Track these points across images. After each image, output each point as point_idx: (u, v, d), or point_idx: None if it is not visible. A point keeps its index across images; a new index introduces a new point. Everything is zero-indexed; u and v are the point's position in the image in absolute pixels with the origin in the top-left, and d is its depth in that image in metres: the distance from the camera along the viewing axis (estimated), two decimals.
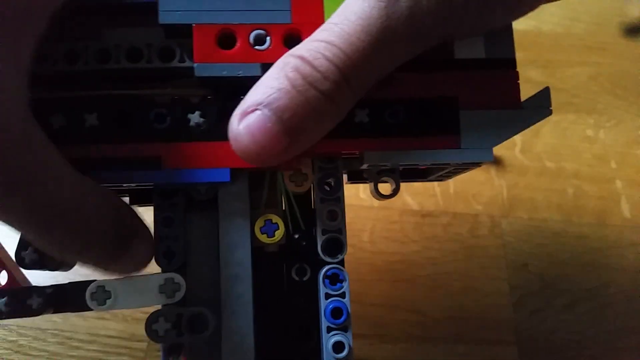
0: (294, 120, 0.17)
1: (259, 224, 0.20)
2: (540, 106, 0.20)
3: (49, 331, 0.33)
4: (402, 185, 0.42)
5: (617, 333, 0.35)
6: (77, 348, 0.32)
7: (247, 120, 0.17)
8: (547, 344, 0.35)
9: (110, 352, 0.32)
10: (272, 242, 0.20)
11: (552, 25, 0.49)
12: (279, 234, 0.20)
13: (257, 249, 0.20)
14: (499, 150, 0.42)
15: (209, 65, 0.19)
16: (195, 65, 0.19)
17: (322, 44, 0.17)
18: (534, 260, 0.38)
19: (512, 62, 0.20)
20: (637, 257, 0.38)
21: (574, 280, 0.37)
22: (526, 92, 0.35)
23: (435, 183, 0.40)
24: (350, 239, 0.37)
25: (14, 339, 0.32)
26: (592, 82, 0.47)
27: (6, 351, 0.32)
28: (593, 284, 0.37)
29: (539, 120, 0.20)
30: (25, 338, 0.32)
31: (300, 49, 0.17)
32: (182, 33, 0.19)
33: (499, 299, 0.36)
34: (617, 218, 0.40)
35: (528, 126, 0.20)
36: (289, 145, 0.17)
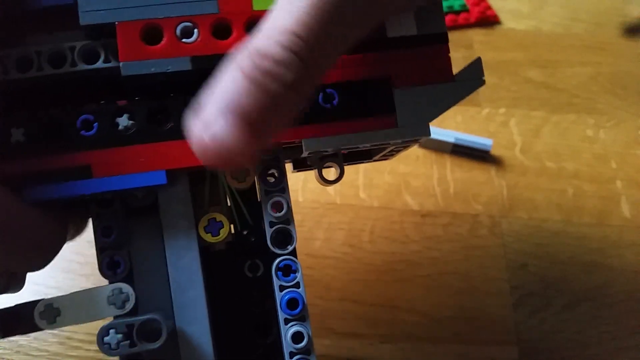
0: (260, 120, 0.16)
1: (203, 223, 0.20)
2: (473, 78, 0.20)
3: (49, 331, 0.33)
4: (402, 185, 0.42)
5: (617, 333, 0.35)
6: (77, 348, 0.32)
7: (212, 130, 0.16)
8: (547, 344, 0.35)
9: None
10: (218, 240, 0.20)
11: (552, 25, 0.49)
12: (224, 232, 0.20)
13: (204, 248, 0.20)
14: (499, 150, 0.42)
15: (135, 63, 0.18)
16: (121, 64, 0.18)
17: (276, 31, 0.16)
18: (534, 260, 0.38)
19: (443, 37, 0.21)
20: (637, 257, 0.38)
21: (574, 280, 0.37)
22: (527, 92, 0.36)
23: (435, 183, 0.40)
24: (350, 239, 0.38)
25: (14, 339, 0.32)
26: (592, 82, 0.47)
27: (6, 351, 0.32)
28: (593, 284, 0.37)
29: (472, 92, 0.20)
30: (26, 338, 0.32)
31: (255, 41, 0.16)
32: (106, 32, 0.19)
33: (499, 299, 0.36)
34: (617, 218, 0.40)
35: (462, 98, 0.20)
36: (258, 143, 0.16)
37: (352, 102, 0.20)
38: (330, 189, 0.39)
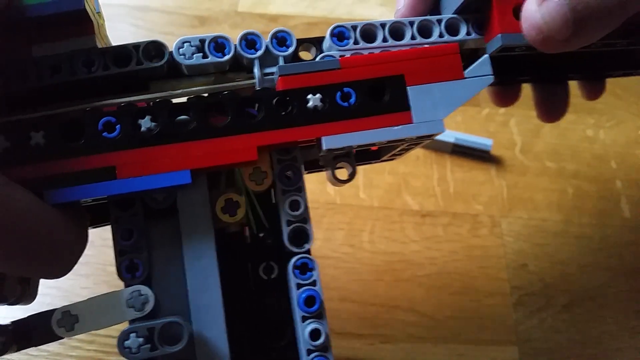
0: (584, 13, 0.19)
1: (220, 204, 0.20)
2: (482, 74, 0.21)
3: None
4: (402, 185, 0.42)
5: (617, 333, 0.35)
6: (77, 348, 0.32)
7: (546, 5, 0.19)
8: (547, 344, 0.35)
9: (110, 352, 0.32)
10: (235, 220, 0.20)
11: None
12: (241, 212, 0.20)
13: (220, 230, 0.20)
14: (499, 150, 0.42)
15: (510, 35, 0.21)
16: (500, 35, 0.21)
17: None
18: (534, 260, 0.38)
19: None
20: (636, 257, 0.38)
21: (574, 280, 0.37)
22: (527, 92, 0.35)
23: (435, 183, 0.40)
24: (350, 239, 0.38)
25: None
26: None
27: None
28: (593, 284, 0.37)
29: (482, 88, 0.21)
30: None
31: None
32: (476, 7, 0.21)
33: (499, 299, 0.36)
34: (617, 218, 0.40)
35: (473, 95, 0.21)
36: (571, 36, 0.19)
37: (368, 101, 0.20)
38: (330, 189, 0.39)
